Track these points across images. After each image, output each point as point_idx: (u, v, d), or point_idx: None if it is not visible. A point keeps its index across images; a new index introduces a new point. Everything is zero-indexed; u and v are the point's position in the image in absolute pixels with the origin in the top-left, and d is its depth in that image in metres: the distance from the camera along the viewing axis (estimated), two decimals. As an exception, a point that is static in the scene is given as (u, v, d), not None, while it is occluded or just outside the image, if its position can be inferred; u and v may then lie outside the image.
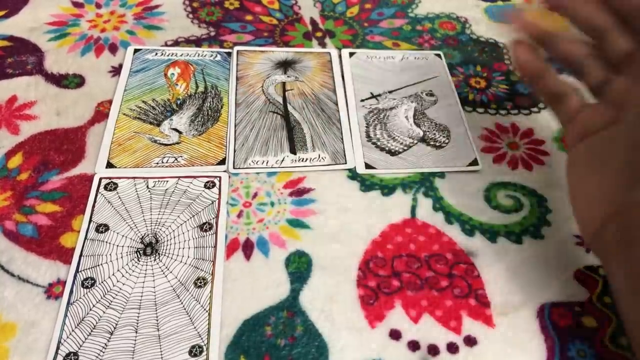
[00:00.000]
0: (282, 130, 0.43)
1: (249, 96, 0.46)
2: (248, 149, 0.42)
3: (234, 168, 0.40)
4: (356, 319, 0.33)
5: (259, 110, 0.45)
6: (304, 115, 0.45)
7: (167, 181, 0.39)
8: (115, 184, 0.38)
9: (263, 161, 0.41)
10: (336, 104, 0.46)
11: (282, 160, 0.41)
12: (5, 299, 0.32)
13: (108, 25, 0.51)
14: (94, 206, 0.37)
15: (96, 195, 0.37)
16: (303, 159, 0.41)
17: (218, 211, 0.37)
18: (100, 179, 0.38)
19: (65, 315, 0.31)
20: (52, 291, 0.33)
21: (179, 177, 0.39)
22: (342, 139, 0.43)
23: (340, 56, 0.50)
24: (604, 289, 0.35)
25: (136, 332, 0.31)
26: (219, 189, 0.38)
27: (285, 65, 0.49)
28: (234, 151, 0.41)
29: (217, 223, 0.36)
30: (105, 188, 0.38)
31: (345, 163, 0.41)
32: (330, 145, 0.42)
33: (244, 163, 0.41)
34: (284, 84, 0.47)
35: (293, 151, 0.42)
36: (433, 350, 0.32)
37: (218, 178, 0.39)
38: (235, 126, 0.43)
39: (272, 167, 0.41)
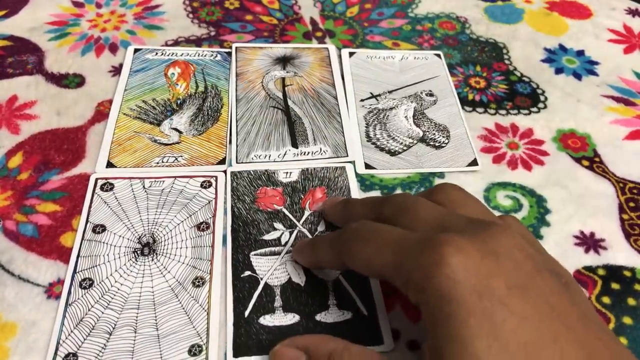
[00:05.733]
0: (283, 125, 0.43)
1: (249, 92, 0.46)
2: (250, 144, 0.42)
3: (237, 163, 0.40)
4: (354, 319, 0.33)
5: (259, 105, 0.45)
6: (304, 109, 0.45)
7: (164, 181, 0.39)
8: (112, 184, 0.38)
9: (265, 155, 0.41)
10: (335, 98, 0.46)
11: (284, 154, 0.41)
12: (6, 298, 0.32)
13: (108, 25, 0.51)
14: (90, 207, 0.37)
15: (92, 196, 0.37)
16: (305, 152, 0.42)
17: (215, 210, 0.37)
18: (97, 179, 0.38)
19: (64, 316, 0.31)
20: (53, 291, 0.33)
21: (175, 177, 0.39)
22: (342, 132, 0.43)
23: (340, 56, 0.50)
24: (604, 289, 0.35)
25: (135, 332, 0.31)
26: (216, 189, 0.38)
27: (283, 61, 0.49)
28: (237, 146, 0.41)
29: (214, 222, 0.37)
30: (102, 188, 0.38)
31: (347, 156, 0.41)
32: (331, 138, 0.43)
33: (247, 157, 0.41)
34: (283, 79, 0.47)
35: (295, 145, 0.42)
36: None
37: (214, 177, 0.39)
38: (237, 121, 0.43)
39: (274, 161, 0.41)
